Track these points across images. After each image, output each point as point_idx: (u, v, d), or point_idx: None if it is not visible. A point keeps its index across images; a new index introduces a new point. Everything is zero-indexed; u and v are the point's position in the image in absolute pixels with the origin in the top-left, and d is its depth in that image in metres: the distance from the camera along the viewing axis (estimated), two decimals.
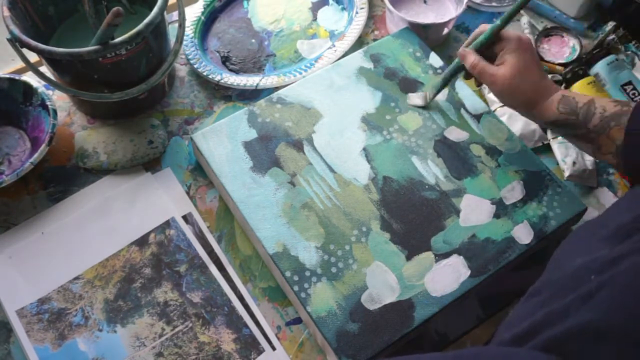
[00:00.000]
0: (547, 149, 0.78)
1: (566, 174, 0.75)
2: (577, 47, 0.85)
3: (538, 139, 0.76)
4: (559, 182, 0.69)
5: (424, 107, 0.74)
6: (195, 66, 0.82)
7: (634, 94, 0.79)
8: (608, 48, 0.84)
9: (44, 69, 0.75)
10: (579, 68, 0.82)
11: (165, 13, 0.72)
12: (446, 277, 0.63)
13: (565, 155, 0.75)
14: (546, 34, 0.87)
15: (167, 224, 0.71)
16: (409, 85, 0.77)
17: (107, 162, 0.75)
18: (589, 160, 0.75)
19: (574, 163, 0.74)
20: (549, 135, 0.78)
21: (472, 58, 0.67)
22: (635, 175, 0.57)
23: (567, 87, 0.81)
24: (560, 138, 0.76)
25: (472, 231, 0.66)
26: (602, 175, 0.77)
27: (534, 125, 0.77)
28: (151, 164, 0.76)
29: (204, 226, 0.71)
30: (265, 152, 0.71)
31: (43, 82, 0.72)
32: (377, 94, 0.76)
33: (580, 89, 0.79)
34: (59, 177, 0.75)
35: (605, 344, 0.36)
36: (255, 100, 0.77)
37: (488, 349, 0.41)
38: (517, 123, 0.76)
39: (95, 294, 0.67)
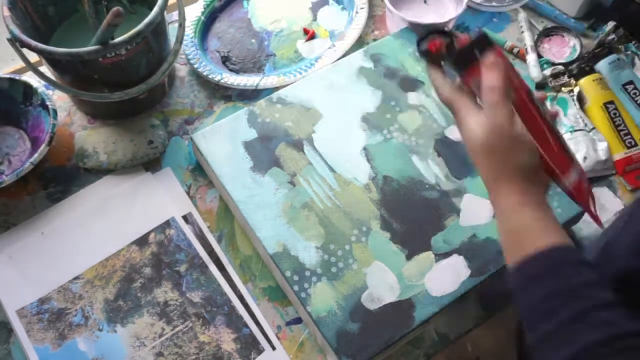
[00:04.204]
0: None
1: None
2: (578, 47, 0.85)
3: None
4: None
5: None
6: (195, 66, 0.82)
7: (634, 93, 0.79)
8: (609, 47, 0.84)
9: (44, 69, 0.75)
10: (585, 65, 0.82)
11: (165, 13, 0.72)
12: (446, 277, 0.63)
13: (576, 151, 0.75)
14: (546, 33, 0.87)
15: (167, 224, 0.71)
16: (409, 84, 0.76)
17: (107, 162, 0.75)
18: (601, 150, 0.75)
19: (585, 158, 0.74)
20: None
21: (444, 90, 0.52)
22: None
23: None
24: (569, 133, 0.76)
25: (473, 231, 0.66)
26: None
27: None
28: (151, 164, 0.76)
29: (204, 226, 0.71)
30: (265, 152, 0.71)
31: (43, 82, 0.72)
32: (377, 93, 0.76)
33: (586, 85, 0.80)
34: (59, 177, 0.75)
35: None
36: (255, 100, 0.77)
37: None
38: None
39: (95, 294, 0.67)
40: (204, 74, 0.81)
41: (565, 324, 0.42)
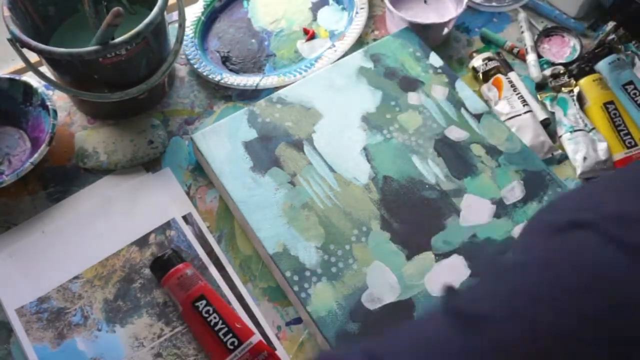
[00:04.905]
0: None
1: (578, 171, 0.75)
2: (578, 47, 0.85)
3: (547, 150, 0.76)
4: (559, 182, 0.69)
5: None
6: (195, 66, 0.82)
7: (634, 93, 0.79)
8: (609, 47, 0.83)
9: (44, 69, 0.75)
10: (585, 65, 0.82)
11: (165, 13, 0.72)
12: (446, 277, 0.63)
13: (576, 152, 0.75)
14: (546, 33, 0.87)
15: (168, 225, 0.71)
16: (409, 84, 0.76)
17: (107, 162, 0.75)
18: (601, 150, 0.75)
19: (585, 158, 0.74)
20: (558, 131, 0.78)
21: None
22: None
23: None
24: (569, 133, 0.76)
25: (473, 231, 0.66)
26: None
27: (543, 137, 0.76)
28: (151, 164, 0.76)
29: (203, 226, 0.71)
30: (265, 152, 0.71)
31: (43, 82, 0.72)
32: (377, 93, 0.76)
33: (586, 85, 0.80)
34: (59, 177, 0.75)
35: None
36: (255, 100, 0.77)
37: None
38: (526, 135, 0.76)
39: (95, 294, 0.66)
40: (204, 74, 0.81)
41: None
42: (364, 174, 0.70)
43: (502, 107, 0.78)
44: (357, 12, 0.86)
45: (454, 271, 0.63)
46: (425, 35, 0.82)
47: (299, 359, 0.64)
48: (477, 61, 0.83)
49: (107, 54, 0.67)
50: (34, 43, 0.67)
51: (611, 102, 0.79)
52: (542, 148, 0.76)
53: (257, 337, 0.62)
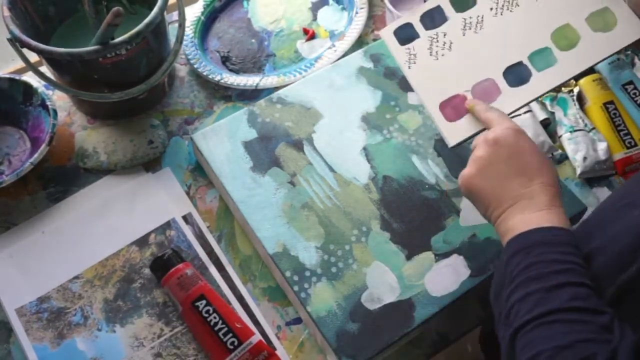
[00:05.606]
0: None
1: (578, 171, 0.75)
2: None
3: (547, 150, 0.76)
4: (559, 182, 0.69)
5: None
6: (195, 66, 0.82)
7: (634, 93, 0.79)
8: None
9: (44, 69, 0.75)
10: None
11: (165, 13, 0.72)
12: (446, 277, 0.63)
13: (576, 152, 0.75)
14: None
15: (168, 225, 0.71)
16: (409, 84, 0.76)
17: (107, 162, 0.75)
18: (601, 150, 0.75)
19: (585, 158, 0.74)
20: (558, 131, 0.78)
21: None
22: None
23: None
24: (569, 133, 0.76)
25: (473, 231, 0.66)
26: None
27: (543, 137, 0.76)
28: (151, 164, 0.76)
29: (203, 226, 0.71)
30: (265, 152, 0.71)
31: (43, 82, 0.73)
32: (377, 93, 0.76)
33: (586, 85, 0.80)
34: (59, 177, 0.75)
35: None
36: (255, 100, 0.77)
37: None
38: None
39: (95, 294, 0.67)
40: (204, 74, 0.81)
41: (525, 296, 0.47)
42: (364, 174, 0.70)
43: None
44: (357, 12, 0.86)
45: (453, 271, 0.63)
46: None
47: (299, 359, 0.64)
48: None
49: (107, 53, 0.67)
50: (34, 43, 0.67)
51: (611, 102, 0.79)
52: (542, 148, 0.76)
53: (257, 337, 0.62)
